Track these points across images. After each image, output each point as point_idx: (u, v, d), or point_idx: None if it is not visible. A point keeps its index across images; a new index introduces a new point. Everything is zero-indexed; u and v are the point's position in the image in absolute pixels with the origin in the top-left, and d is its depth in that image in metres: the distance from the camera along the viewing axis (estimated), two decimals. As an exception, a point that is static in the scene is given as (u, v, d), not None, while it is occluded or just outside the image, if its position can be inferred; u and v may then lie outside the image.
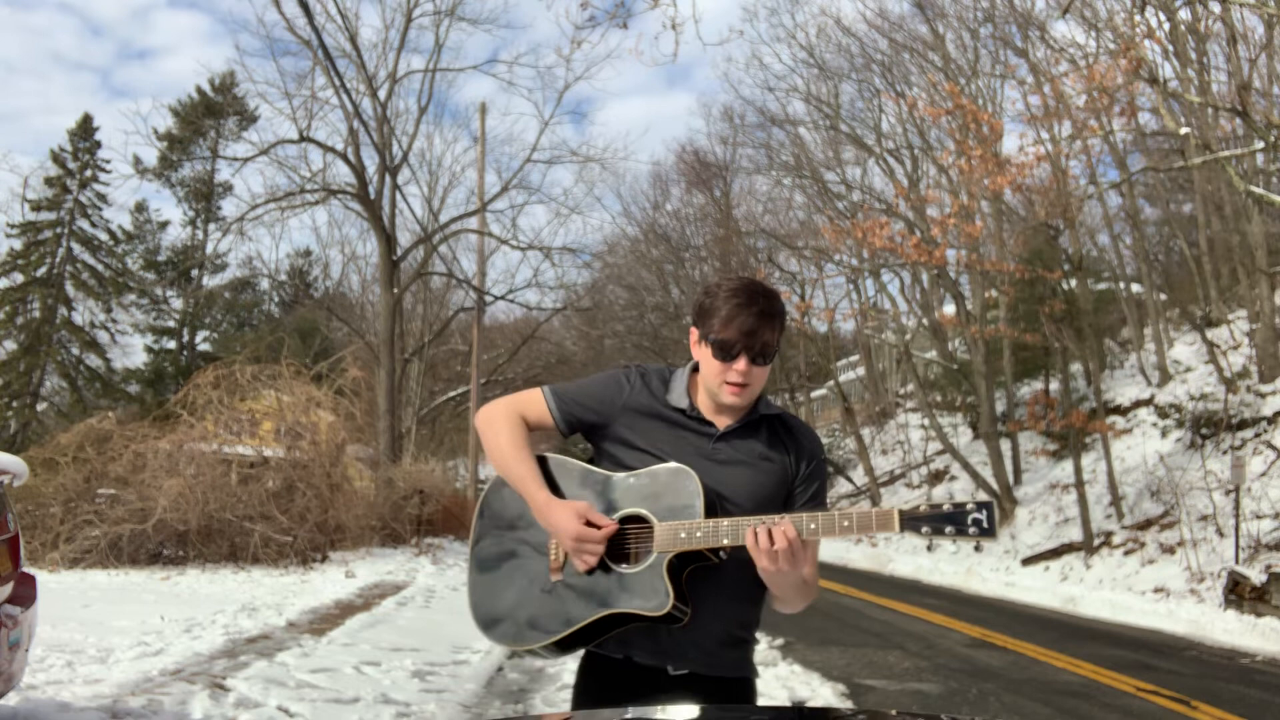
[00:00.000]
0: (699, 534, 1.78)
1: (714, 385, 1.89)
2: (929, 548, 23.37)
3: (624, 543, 1.85)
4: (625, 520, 1.86)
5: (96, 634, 6.91)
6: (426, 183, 30.61)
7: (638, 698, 1.88)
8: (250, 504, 13.44)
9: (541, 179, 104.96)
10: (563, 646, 1.89)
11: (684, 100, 68.28)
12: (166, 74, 66.02)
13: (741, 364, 1.85)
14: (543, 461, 1.96)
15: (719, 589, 1.86)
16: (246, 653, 6.58)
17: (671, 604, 1.79)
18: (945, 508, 1.69)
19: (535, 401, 2.00)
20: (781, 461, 1.93)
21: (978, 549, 17.85)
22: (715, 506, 1.82)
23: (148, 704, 4.89)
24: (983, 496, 1.73)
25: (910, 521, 1.69)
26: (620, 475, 1.90)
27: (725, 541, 1.77)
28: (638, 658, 1.89)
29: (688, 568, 1.83)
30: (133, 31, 71.32)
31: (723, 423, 1.93)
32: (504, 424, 1.98)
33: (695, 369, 1.98)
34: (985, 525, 1.67)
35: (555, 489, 1.92)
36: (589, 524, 1.83)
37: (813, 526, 1.73)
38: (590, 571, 1.85)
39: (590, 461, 1.99)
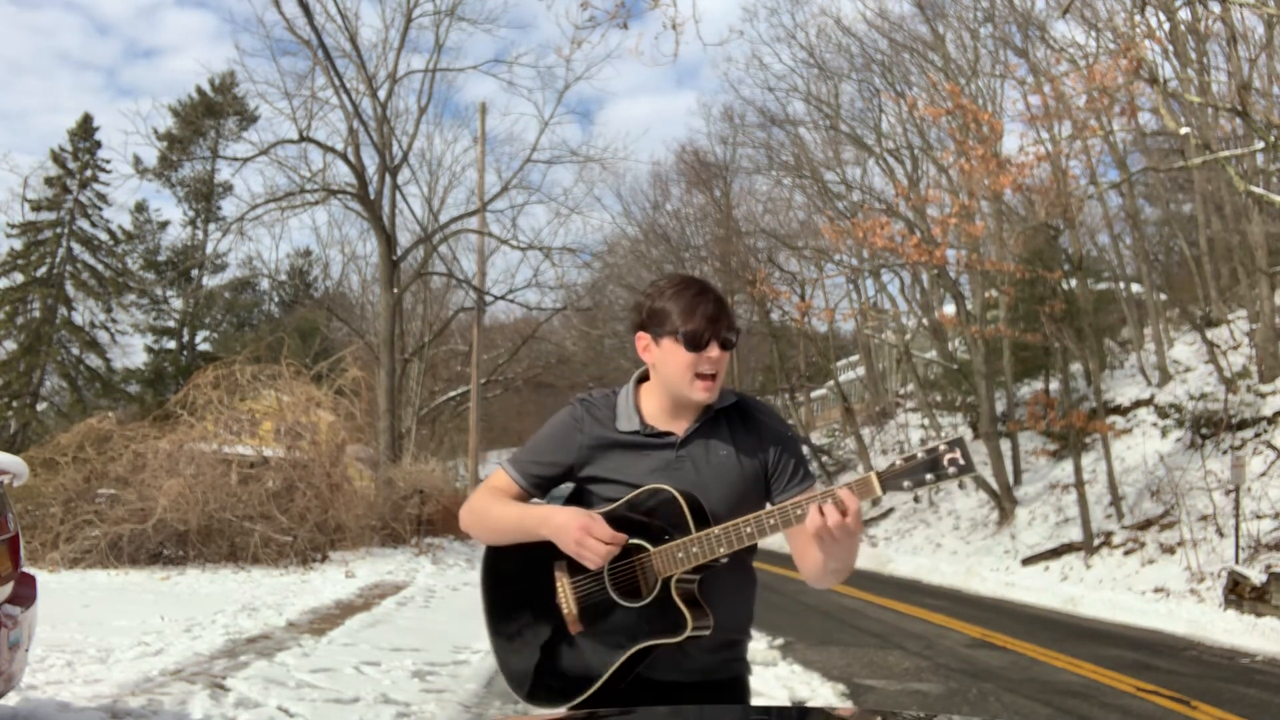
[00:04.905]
0: (695, 549, 1.77)
1: (684, 383, 1.84)
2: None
3: (629, 575, 1.83)
4: (624, 552, 1.84)
5: (96, 634, 6.90)
6: (426, 183, 30.59)
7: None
8: (250, 504, 13.43)
9: (542, 179, 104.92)
10: (602, 695, 1.88)
11: (692, 99, 68.17)
12: (173, 73, 65.93)
13: (714, 351, 1.82)
14: None
15: (716, 594, 1.85)
16: (246, 653, 6.58)
17: (690, 627, 1.79)
18: (918, 456, 1.69)
19: (502, 481, 1.98)
20: (748, 454, 1.90)
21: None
22: (701, 512, 1.80)
23: (148, 704, 4.89)
24: (949, 435, 1.74)
25: (890, 480, 1.69)
26: (604, 509, 1.88)
27: (722, 550, 1.76)
28: (646, 674, 1.87)
29: (697, 580, 1.83)
30: (139, 30, 71.27)
31: (680, 426, 1.89)
32: (486, 501, 1.97)
33: (640, 381, 1.94)
34: (962, 462, 1.67)
35: None
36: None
37: (800, 513, 1.72)
38: (605, 616, 1.84)
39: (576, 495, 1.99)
